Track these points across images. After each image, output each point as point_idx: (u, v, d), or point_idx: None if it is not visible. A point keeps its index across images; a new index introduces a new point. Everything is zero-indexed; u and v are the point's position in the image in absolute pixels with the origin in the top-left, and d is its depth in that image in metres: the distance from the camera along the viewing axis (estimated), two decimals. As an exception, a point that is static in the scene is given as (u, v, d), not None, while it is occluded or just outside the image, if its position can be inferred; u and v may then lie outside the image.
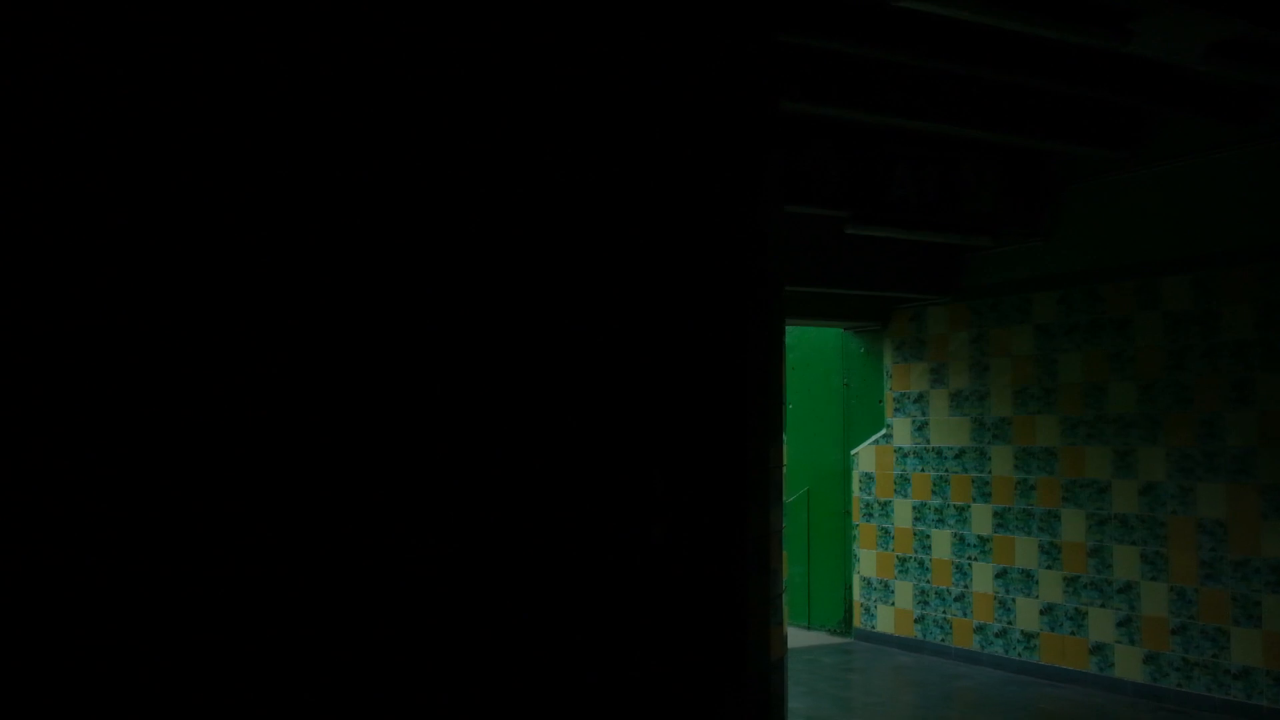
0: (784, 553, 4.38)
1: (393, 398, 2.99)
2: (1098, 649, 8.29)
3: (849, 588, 10.56)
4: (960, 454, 9.47)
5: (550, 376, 3.64)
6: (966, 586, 9.36)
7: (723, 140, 3.99)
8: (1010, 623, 8.97)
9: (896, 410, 10.13)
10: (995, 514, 9.15)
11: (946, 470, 9.59)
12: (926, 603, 9.73)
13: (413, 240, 3.12)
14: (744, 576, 4.14)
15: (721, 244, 4.03)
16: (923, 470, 9.82)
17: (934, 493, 9.70)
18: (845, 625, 10.59)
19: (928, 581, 9.72)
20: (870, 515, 10.32)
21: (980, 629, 9.23)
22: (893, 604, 10.06)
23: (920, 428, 9.88)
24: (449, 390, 3.16)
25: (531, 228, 3.58)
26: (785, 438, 11.11)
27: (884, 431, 10.25)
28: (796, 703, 8.33)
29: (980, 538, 9.26)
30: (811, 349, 11.26)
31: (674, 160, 3.97)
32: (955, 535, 9.48)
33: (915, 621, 9.83)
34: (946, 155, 8.31)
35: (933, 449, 9.74)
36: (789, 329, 11.46)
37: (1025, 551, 8.88)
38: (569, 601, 3.55)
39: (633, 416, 3.91)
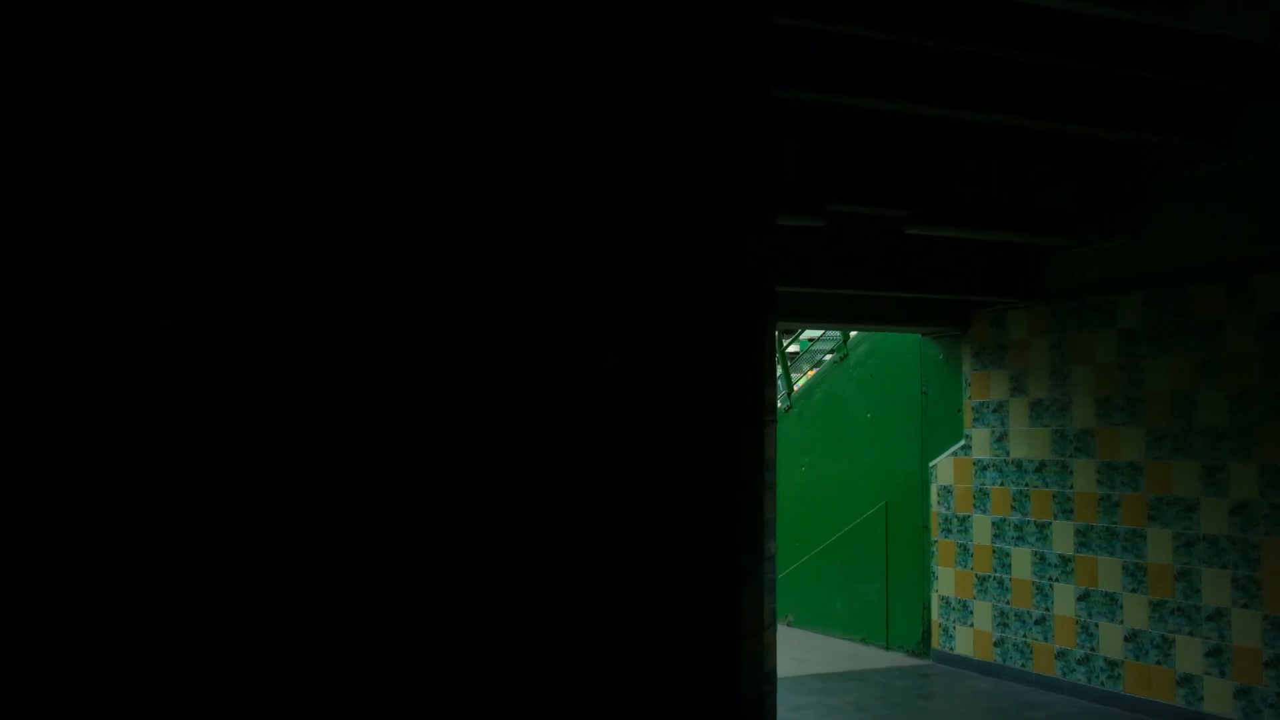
0: (773, 571, 4.01)
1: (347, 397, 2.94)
2: (1185, 680, 7.65)
3: (927, 607, 10.03)
4: (1041, 467, 8.90)
5: (495, 387, 3.39)
6: (1047, 609, 8.77)
7: (687, 137, 3.66)
8: (1093, 649, 8.36)
9: (975, 420, 9.59)
10: (1077, 532, 8.55)
11: (1027, 484, 9.02)
12: (1006, 625, 9.16)
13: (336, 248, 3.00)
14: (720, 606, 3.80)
15: (696, 248, 3.69)
16: (1002, 484, 9.25)
17: (1014, 508, 9.13)
18: (923, 646, 10.06)
19: (1007, 603, 9.15)
20: (949, 531, 9.79)
21: (1062, 655, 8.63)
22: (971, 625, 9.51)
23: (1000, 439, 9.31)
24: (402, 396, 3.05)
25: (462, 226, 3.32)
26: (862, 449, 10.66)
27: (963, 443, 9.71)
28: (857, 730, 7.90)
29: (1062, 557, 8.67)
30: (889, 356, 10.76)
31: (629, 155, 3.65)
32: (1036, 554, 8.90)
33: (994, 645, 9.26)
34: (1016, 149, 7.78)
35: (1012, 461, 9.17)
36: (865, 335, 11.00)
37: (1108, 573, 8.27)
38: (536, 612, 3.32)
39: (583, 440, 3.61)
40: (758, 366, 4.08)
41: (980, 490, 9.46)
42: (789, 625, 11.79)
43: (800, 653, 10.55)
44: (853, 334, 11.25)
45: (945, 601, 9.79)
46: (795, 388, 12.29)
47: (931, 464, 10.01)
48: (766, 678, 4.12)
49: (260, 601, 2.80)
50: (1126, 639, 8.10)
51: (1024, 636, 8.98)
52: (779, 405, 12.56)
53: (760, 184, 4.21)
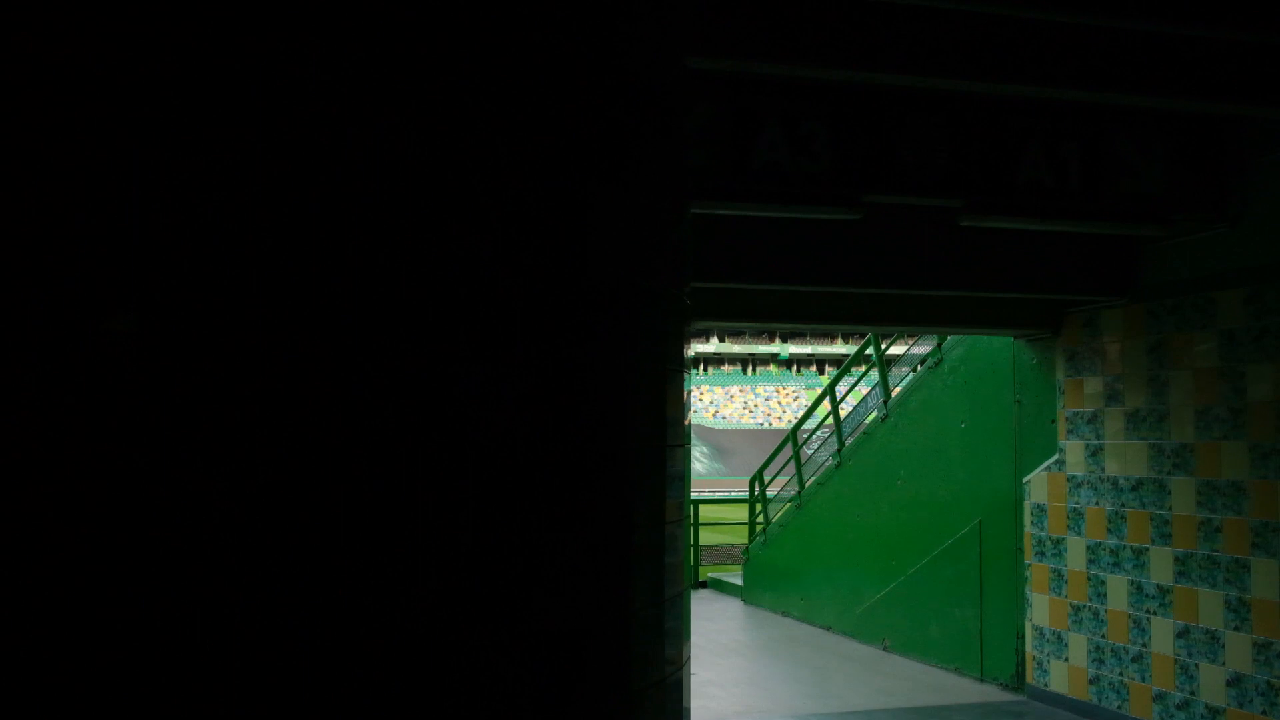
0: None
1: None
2: (1294, 735, 6.62)
3: (1021, 637, 9.12)
4: (1137, 486, 7.92)
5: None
6: (1145, 645, 7.79)
7: (548, 114, 3.12)
8: (1193, 693, 7.36)
9: (1069, 432, 8.64)
10: (1176, 559, 7.56)
11: (1123, 504, 8.05)
12: (1102, 661, 8.20)
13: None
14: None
15: (490, 242, 3.14)
16: (1097, 504, 8.30)
17: (1109, 531, 8.17)
18: (1018, 680, 9.15)
19: (1103, 636, 8.20)
20: (1042, 554, 8.86)
21: (1160, 697, 7.65)
22: (1066, 660, 8.57)
23: (1094, 453, 8.36)
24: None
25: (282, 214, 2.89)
26: (955, 462, 9.76)
27: (1056, 456, 8.77)
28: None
29: (1160, 587, 7.68)
30: (982, 362, 9.87)
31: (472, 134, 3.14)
32: (1132, 583, 7.93)
33: (1090, 682, 8.31)
34: (1093, 128, 6.88)
35: (1108, 479, 8.21)
36: (959, 339, 10.14)
37: (1209, 607, 7.26)
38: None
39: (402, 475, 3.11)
40: (626, 390, 3.45)
41: (1074, 510, 8.52)
42: (885, 650, 10.99)
43: (886, 682, 9.76)
44: (949, 338, 10.39)
45: (1039, 632, 8.87)
46: (892, 394, 11.48)
47: (1025, 480, 9.10)
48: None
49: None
50: (1229, 683, 7.09)
51: (1120, 675, 8.01)
52: (876, 414, 11.77)
53: (629, 171, 3.59)
